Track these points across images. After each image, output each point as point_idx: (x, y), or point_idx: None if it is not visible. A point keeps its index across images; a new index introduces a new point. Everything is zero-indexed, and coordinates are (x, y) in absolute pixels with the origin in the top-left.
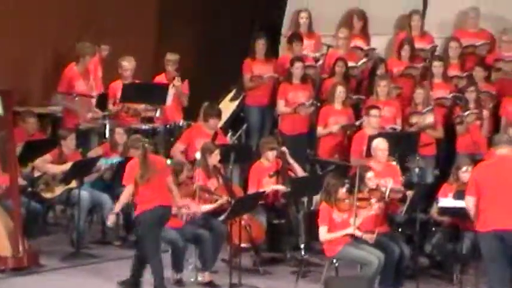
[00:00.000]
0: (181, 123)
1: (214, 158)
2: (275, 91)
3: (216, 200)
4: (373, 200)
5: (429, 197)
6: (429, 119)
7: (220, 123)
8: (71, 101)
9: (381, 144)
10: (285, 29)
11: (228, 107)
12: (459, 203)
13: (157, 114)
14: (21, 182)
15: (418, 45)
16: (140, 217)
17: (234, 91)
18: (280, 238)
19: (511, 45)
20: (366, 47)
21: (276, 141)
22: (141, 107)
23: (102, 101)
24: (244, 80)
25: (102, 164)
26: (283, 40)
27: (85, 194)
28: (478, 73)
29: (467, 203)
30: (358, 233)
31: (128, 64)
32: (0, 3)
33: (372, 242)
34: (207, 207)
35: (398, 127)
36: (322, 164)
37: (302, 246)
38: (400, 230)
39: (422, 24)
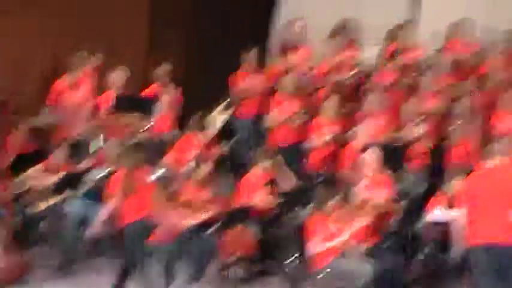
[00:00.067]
0: (173, 134)
1: (206, 169)
2: (265, 102)
3: (207, 211)
4: (364, 212)
5: (419, 209)
6: (420, 130)
7: (212, 134)
8: (61, 113)
9: (372, 156)
10: (276, 40)
11: (219, 118)
12: (449, 215)
13: (149, 125)
14: (13, 191)
15: (409, 56)
16: (124, 229)
17: (224, 102)
18: (272, 249)
19: (501, 57)
20: (357, 58)
21: (267, 152)
22: (133, 118)
23: (94, 112)
24: (234, 91)
25: (94, 175)
26: (273, 51)
27: (76, 205)
28: (469, 84)
29: (457, 214)
30: (350, 244)
31: (119, 75)
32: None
33: (363, 252)
34: (198, 218)
35: (389, 139)
36: (313, 175)
37: (294, 257)
38: (392, 240)
39: (414, 35)
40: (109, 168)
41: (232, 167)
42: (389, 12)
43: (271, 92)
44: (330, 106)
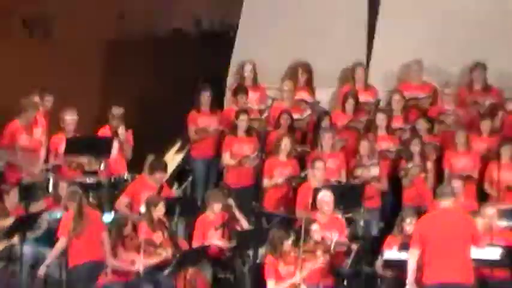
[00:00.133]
0: (125, 176)
1: (159, 211)
2: (220, 143)
3: (161, 254)
4: (318, 253)
5: (374, 250)
6: (374, 171)
7: (166, 176)
8: (14, 156)
9: (325, 197)
10: (230, 81)
11: (173, 159)
12: (404, 255)
13: (102, 167)
14: None
15: (362, 98)
16: (72, 270)
17: (179, 143)
18: None
19: (453, 98)
20: (310, 100)
21: (221, 193)
22: (85, 160)
23: (47, 154)
24: (189, 132)
25: (46, 218)
26: (228, 92)
27: (28, 249)
28: (421, 125)
29: (411, 255)
30: (303, 286)
31: (70, 117)
32: None
33: None
34: (152, 261)
35: (343, 179)
36: (267, 216)
37: None
38: (345, 282)
39: (366, 77)
40: (62, 211)
41: (186, 208)
42: (341, 54)
43: (226, 133)
44: (283, 147)
